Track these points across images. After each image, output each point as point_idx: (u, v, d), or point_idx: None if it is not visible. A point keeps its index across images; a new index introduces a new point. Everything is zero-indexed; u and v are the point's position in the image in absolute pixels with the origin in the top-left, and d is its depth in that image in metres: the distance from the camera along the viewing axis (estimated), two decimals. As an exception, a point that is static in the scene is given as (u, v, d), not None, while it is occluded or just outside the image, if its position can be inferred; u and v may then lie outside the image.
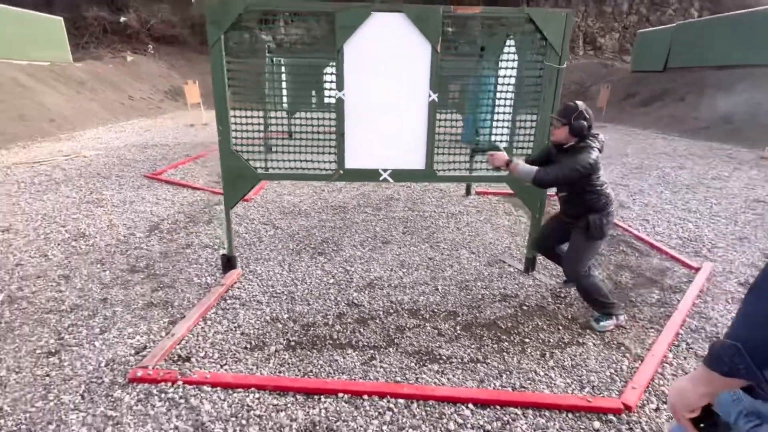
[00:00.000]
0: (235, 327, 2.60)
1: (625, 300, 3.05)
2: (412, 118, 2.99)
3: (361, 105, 2.96)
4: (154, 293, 2.99)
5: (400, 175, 3.12)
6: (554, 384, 2.17)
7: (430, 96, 2.94)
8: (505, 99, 3.23)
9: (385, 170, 3.09)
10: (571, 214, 2.66)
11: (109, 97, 15.36)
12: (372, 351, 2.40)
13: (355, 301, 2.93)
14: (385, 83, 2.93)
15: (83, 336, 2.48)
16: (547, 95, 2.99)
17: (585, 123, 2.42)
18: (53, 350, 2.35)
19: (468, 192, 5.67)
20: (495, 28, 3.50)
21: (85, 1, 21.35)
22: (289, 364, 2.27)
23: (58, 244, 3.79)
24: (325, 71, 6.20)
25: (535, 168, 2.50)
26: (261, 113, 3.11)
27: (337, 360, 2.31)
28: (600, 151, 2.49)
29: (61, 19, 16.25)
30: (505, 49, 3.58)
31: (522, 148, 3.22)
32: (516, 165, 2.58)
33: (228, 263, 3.27)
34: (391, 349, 2.41)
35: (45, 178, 6.18)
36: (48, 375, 2.15)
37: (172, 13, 22.57)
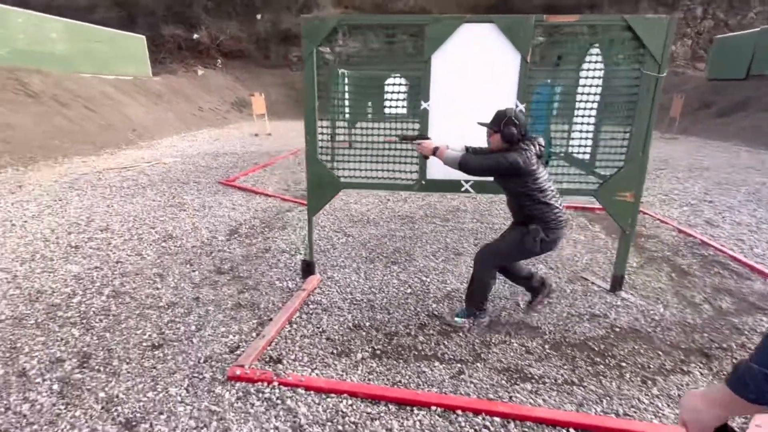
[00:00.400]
0: (320, 332, 2.65)
1: (730, 327, 2.79)
2: (497, 129, 2.94)
3: (446, 115, 2.95)
4: (241, 295, 3.12)
5: (482, 186, 3.07)
6: (662, 414, 2.01)
7: (517, 106, 2.88)
8: (587, 109, 3.10)
9: (467, 181, 3.05)
10: (518, 223, 2.64)
11: (182, 108, 16.49)
12: (459, 365, 2.35)
13: (435, 312, 2.89)
14: (471, 93, 2.91)
15: (181, 332, 2.62)
16: (643, 105, 2.83)
17: (514, 129, 2.44)
18: (156, 344, 2.50)
19: (537, 205, 5.47)
20: (590, 36, 3.38)
21: (163, 21, 23.17)
22: (377, 372, 2.28)
23: (150, 244, 4.07)
24: (387, 83, 6.34)
25: (461, 153, 2.56)
26: (342, 123, 3.19)
27: (425, 372, 2.28)
28: (539, 156, 2.49)
29: (144, 37, 17.73)
30: (588, 58, 3.45)
31: (610, 161, 3.07)
32: (443, 151, 2.58)
33: (307, 268, 3.36)
34: (478, 365, 2.35)
35: (132, 182, 6.70)
36: (155, 367, 2.30)
37: (239, 29, 23.94)
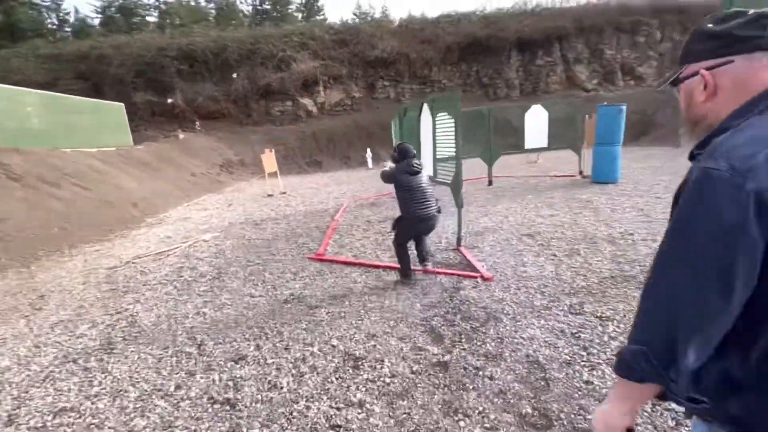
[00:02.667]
0: None
1: None
2: None
3: None
4: None
5: None
6: None
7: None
8: None
9: None
10: None
11: (172, 175, 14.84)
12: None
13: None
14: None
15: None
16: None
17: (395, 154, 4.03)
18: None
19: None
20: None
21: (133, 88, 21.74)
22: None
23: (355, 381, 2.57)
24: None
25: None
26: None
27: None
28: (410, 173, 3.82)
29: (122, 105, 16.22)
30: None
31: None
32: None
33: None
34: None
35: (195, 273, 5.10)
36: None
37: (215, 90, 22.84)
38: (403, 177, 3.78)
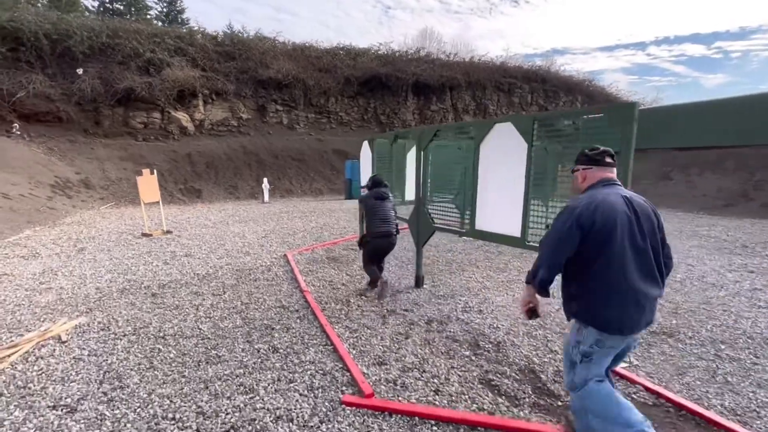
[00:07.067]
0: None
1: None
2: None
3: None
4: None
5: None
6: None
7: None
8: None
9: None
10: None
11: (-30, 197, 9.68)
12: None
13: None
14: None
15: None
16: None
17: (368, 183, 4.81)
18: None
19: None
20: None
21: None
22: None
23: None
24: None
25: None
26: None
27: None
28: (374, 197, 4.56)
29: None
30: None
31: None
32: None
33: None
34: None
35: None
36: None
37: (48, 85, 17.07)
38: (371, 201, 4.54)
